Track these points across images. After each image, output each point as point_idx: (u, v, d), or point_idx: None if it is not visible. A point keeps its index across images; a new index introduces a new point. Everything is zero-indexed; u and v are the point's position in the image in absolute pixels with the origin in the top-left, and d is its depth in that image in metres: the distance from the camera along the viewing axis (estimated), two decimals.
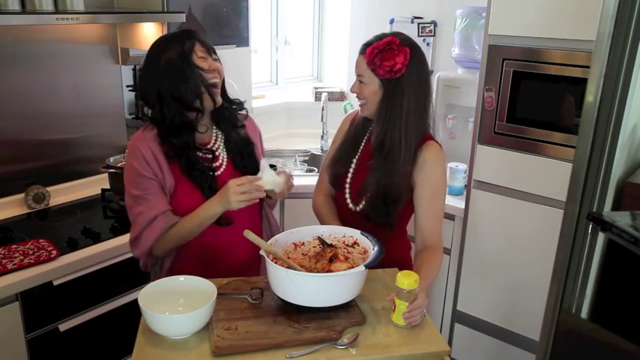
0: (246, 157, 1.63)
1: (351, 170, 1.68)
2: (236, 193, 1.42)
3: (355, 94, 1.62)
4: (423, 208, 1.61)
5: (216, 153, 1.59)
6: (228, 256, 1.60)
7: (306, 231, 1.53)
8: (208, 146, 1.59)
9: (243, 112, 1.69)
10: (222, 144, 1.61)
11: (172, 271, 1.58)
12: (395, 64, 1.49)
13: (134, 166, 1.49)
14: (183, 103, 1.49)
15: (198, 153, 1.55)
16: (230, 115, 1.64)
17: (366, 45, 1.56)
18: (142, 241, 1.51)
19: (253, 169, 1.58)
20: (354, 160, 1.68)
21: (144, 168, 1.48)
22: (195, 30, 1.56)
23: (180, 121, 1.50)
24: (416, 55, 1.53)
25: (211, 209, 1.48)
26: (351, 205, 1.66)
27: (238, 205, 1.43)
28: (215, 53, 1.54)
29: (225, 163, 1.60)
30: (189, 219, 1.51)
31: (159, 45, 1.52)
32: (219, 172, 1.58)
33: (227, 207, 1.45)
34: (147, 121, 1.56)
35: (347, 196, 1.67)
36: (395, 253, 1.65)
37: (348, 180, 1.68)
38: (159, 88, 1.49)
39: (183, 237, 1.53)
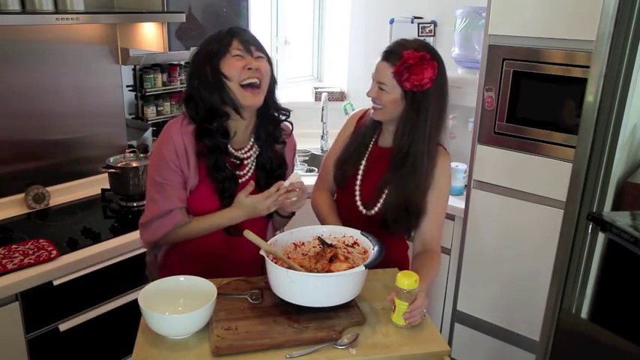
0: (272, 178, 1.56)
1: (360, 172, 1.66)
2: (267, 208, 1.45)
3: (371, 98, 1.59)
4: (426, 211, 1.60)
5: (245, 162, 1.55)
6: (227, 260, 1.59)
7: (306, 231, 1.53)
8: (240, 152, 1.54)
9: (288, 124, 1.63)
10: (254, 156, 1.56)
11: (166, 267, 1.59)
12: (423, 79, 1.47)
13: (163, 153, 1.46)
14: (209, 107, 1.46)
15: (231, 157, 1.51)
16: (274, 130, 1.57)
17: (390, 52, 1.52)
18: (153, 230, 1.50)
19: None
20: (363, 162, 1.66)
21: (172, 159, 1.45)
22: (239, 27, 1.49)
23: (213, 124, 1.46)
24: (441, 69, 1.52)
25: (232, 215, 1.48)
26: (361, 208, 1.64)
27: (268, 210, 1.46)
28: (260, 50, 1.47)
29: (249, 174, 1.56)
30: (204, 220, 1.50)
31: (203, 42, 1.49)
32: (241, 180, 1.54)
33: (254, 214, 1.46)
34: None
35: (357, 198, 1.65)
36: (394, 252, 1.64)
37: (358, 182, 1.65)
38: (189, 87, 1.48)
39: (191, 235, 1.52)
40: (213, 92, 1.45)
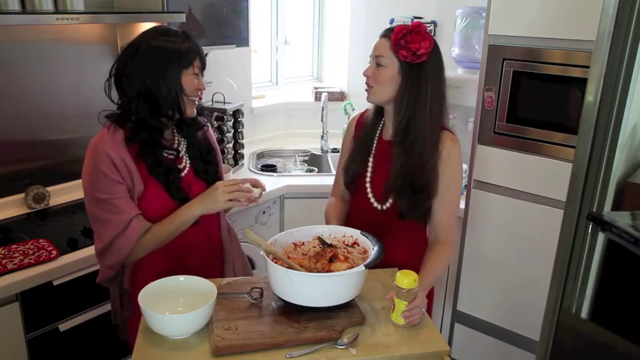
0: (207, 163, 1.63)
1: (369, 169, 1.65)
2: (224, 193, 1.45)
3: (366, 79, 1.58)
4: (437, 198, 1.59)
5: (180, 154, 1.57)
6: (192, 256, 1.60)
7: (306, 231, 1.53)
8: (173, 147, 1.57)
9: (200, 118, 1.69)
10: (184, 147, 1.60)
11: (136, 276, 1.55)
12: (420, 48, 1.48)
13: (101, 169, 1.43)
14: (157, 106, 1.46)
15: (164, 152, 1.52)
16: (192, 120, 1.62)
17: (390, 29, 1.55)
18: (116, 250, 1.45)
19: (214, 176, 1.62)
20: (370, 159, 1.66)
21: (112, 172, 1.43)
22: (200, 46, 1.52)
23: (156, 121, 1.49)
24: (437, 48, 1.55)
25: (190, 212, 1.48)
26: (376, 204, 1.63)
27: (225, 204, 1.48)
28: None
29: (187, 167, 1.59)
30: (166, 223, 1.48)
31: (159, 34, 1.48)
32: (183, 174, 1.57)
33: (212, 208, 1.48)
34: (109, 118, 1.51)
35: (370, 195, 1.64)
36: (419, 244, 1.66)
37: (368, 179, 1.65)
38: (143, 78, 1.45)
39: (158, 242, 1.49)
40: (167, 94, 1.46)
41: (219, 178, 1.66)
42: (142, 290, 1.31)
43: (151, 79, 1.44)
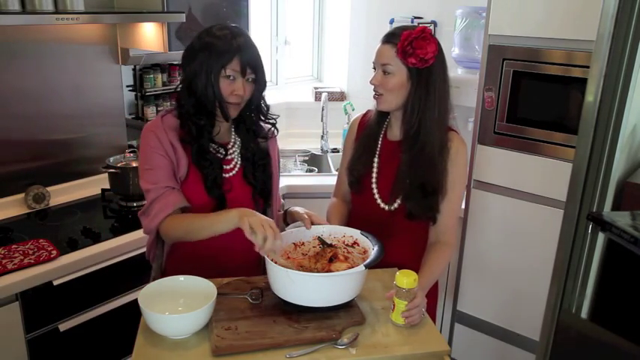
0: (258, 168, 1.60)
1: (374, 170, 1.64)
2: (257, 220, 1.32)
3: (374, 87, 1.57)
4: (447, 193, 1.58)
5: (230, 154, 1.56)
6: (224, 257, 1.58)
7: (306, 231, 1.53)
8: (224, 144, 1.56)
9: (271, 127, 1.65)
10: (238, 150, 1.59)
11: (172, 259, 1.60)
12: (427, 53, 1.47)
13: (146, 144, 1.49)
14: (199, 102, 1.48)
15: (212, 145, 1.53)
16: (253, 126, 1.60)
17: (391, 35, 1.52)
18: (153, 215, 1.47)
19: (262, 183, 1.60)
20: (375, 159, 1.64)
21: (156, 146, 1.48)
22: (247, 42, 1.47)
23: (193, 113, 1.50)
24: (440, 48, 1.54)
25: (227, 214, 1.39)
26: (383, 205, 1.62)
27: (245, 224, 1.32)
28: (255, 70, 1.48)
29: (237, 168, 1.57)
30: (201, 217, 1.45)
31: (213, 29, 1.47)
32: (229, 175, 1.56)
33: (240, 221, 1.34)
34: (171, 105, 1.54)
35: (376, 196, 1.63)
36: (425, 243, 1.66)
37: (374, 180, 1.64)
38: (186, 73, 1.49)
39: (187, 231, 1.45)
40: (203, 92, 1.47)
41: (269, 190, 1.63)
42: (142, 290, 1.31)
43: (192, 75, 1.46)
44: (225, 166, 1.55)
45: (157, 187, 1.48)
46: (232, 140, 1.59)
